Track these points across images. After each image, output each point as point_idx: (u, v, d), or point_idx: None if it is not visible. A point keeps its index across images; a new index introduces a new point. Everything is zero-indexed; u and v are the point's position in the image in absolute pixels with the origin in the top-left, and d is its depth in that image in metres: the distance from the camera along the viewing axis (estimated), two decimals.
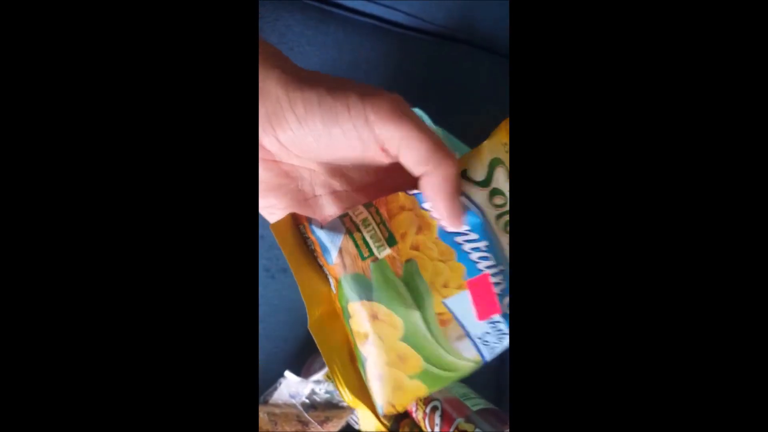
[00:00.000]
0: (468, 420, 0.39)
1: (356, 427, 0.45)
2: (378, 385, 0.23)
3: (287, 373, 0.43)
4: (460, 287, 0.22)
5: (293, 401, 0.44)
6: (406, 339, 0.22)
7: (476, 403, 0.41)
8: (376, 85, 0.21)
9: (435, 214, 0.22)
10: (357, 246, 0.22)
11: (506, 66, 0.57)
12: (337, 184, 0.24)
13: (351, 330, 0.23)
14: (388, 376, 0.22)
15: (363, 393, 0.23)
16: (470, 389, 0.44)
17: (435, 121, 0.51)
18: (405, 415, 0.46)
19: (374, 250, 0.22)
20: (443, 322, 0.22)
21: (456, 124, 0.52)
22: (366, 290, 0.22)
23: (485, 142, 0.23)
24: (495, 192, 0.23)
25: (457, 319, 0.22)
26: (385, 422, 0.23)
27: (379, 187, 0.24)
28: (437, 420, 0.41)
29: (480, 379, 0.51)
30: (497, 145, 0.23)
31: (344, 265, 0.22)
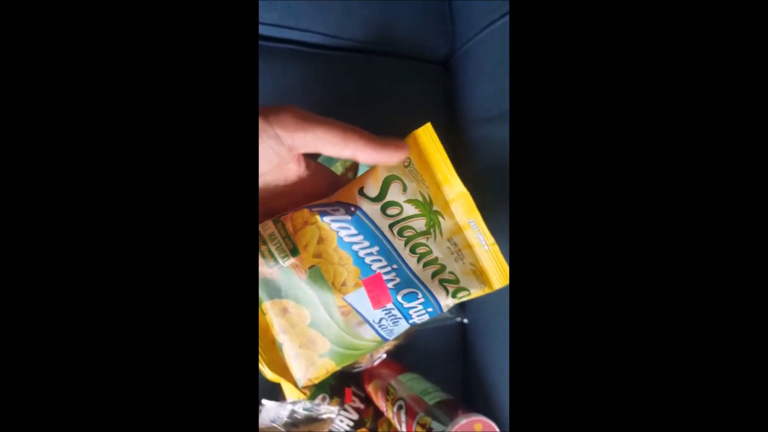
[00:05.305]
0: (427, 413, 0.41)
1: None
2: (296, 364, 0.27)
3: (264, 401, 0.45)
4: (357, 285, 0.26)
5: (274, 425, 0.46)
6: (313, 325, 0.26)
7: (433, 397, 0.43)
8: (303, 107, 0.23)
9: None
10: (263, 256, 0.25)
11: (431, 70, 0.60)
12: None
13: (269, 323, 0.27)
14: (302, 355, 0.27)
15: (284, 371, 0.27)
16: (430, 384, 0.46)
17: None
18: (381, 415, 0.48)
19: (279, 260, 0.25)
20: (344, 313, 0.26)
21: (386, 131, 0.54)
22: (275, 291, 0.26)
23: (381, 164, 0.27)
24: (389, 204, 0.26)
25: (356, 310, 0.26)
26: (305, 391, 0.28)
27: (291, 195, 0.27)
28: (403, 417, 0.43)
29: (442, 370, 0.53)
30: (395, 165, 0.26)
31: None
